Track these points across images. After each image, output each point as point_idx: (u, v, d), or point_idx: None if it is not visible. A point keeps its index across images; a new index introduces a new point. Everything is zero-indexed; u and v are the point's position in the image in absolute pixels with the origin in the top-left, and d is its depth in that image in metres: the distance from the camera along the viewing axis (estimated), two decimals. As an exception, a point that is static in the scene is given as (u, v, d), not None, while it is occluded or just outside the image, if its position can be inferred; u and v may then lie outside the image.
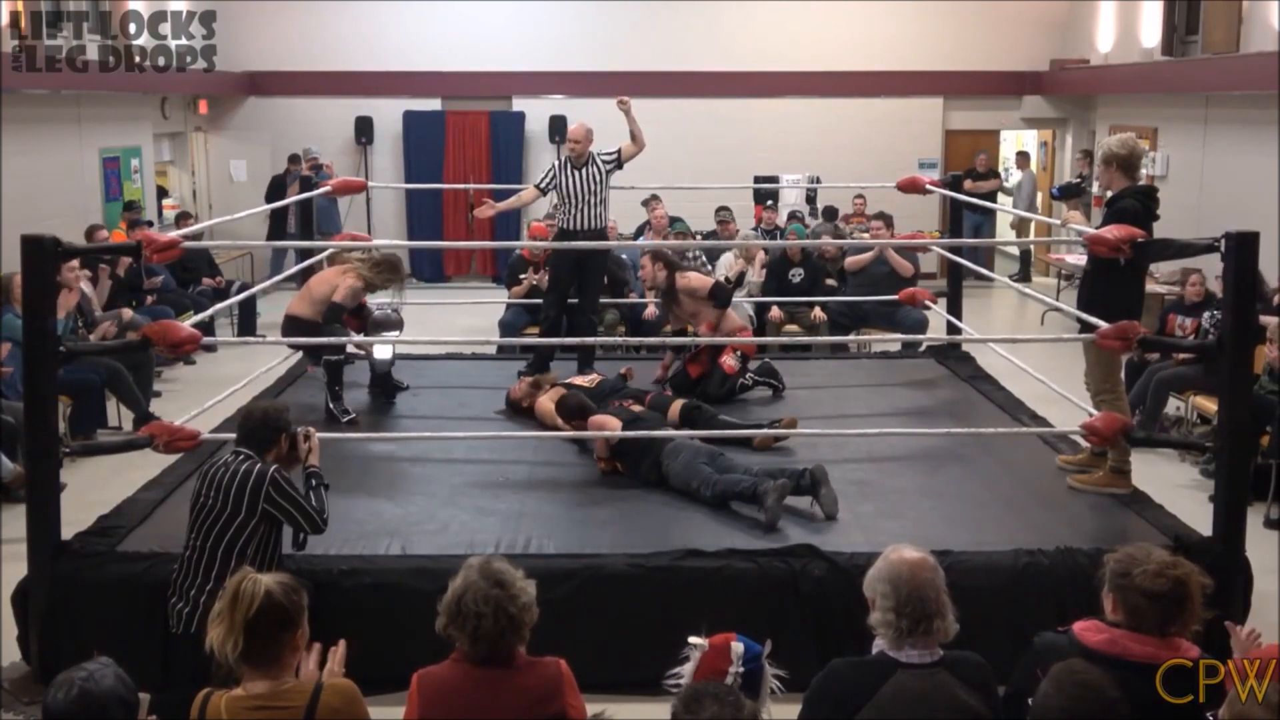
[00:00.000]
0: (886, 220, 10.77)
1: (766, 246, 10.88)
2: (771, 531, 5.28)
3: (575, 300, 8.00)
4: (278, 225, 13.45)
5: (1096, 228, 5.73)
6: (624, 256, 10.15)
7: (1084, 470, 5.99)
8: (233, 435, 4.74)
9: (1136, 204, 5.57)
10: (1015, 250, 16.68)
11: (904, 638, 2.96)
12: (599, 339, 7.98)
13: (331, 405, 7.03)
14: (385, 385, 7.56)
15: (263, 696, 2.97)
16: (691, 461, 5.77)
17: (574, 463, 6.36)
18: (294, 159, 14.70)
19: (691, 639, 3.07)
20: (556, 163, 7.93)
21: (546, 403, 6.75)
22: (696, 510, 5.57)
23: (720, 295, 7.72)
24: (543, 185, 7.86)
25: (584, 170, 7.70)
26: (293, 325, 7.08)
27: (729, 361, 7.53)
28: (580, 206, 7.69)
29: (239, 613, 2.97)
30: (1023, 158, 16.35)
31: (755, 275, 10.38)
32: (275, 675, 3.00)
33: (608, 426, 6.13)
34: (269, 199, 13.72)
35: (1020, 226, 16.49)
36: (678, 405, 6.82)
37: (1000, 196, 16.28)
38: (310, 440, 4.64)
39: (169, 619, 4.40)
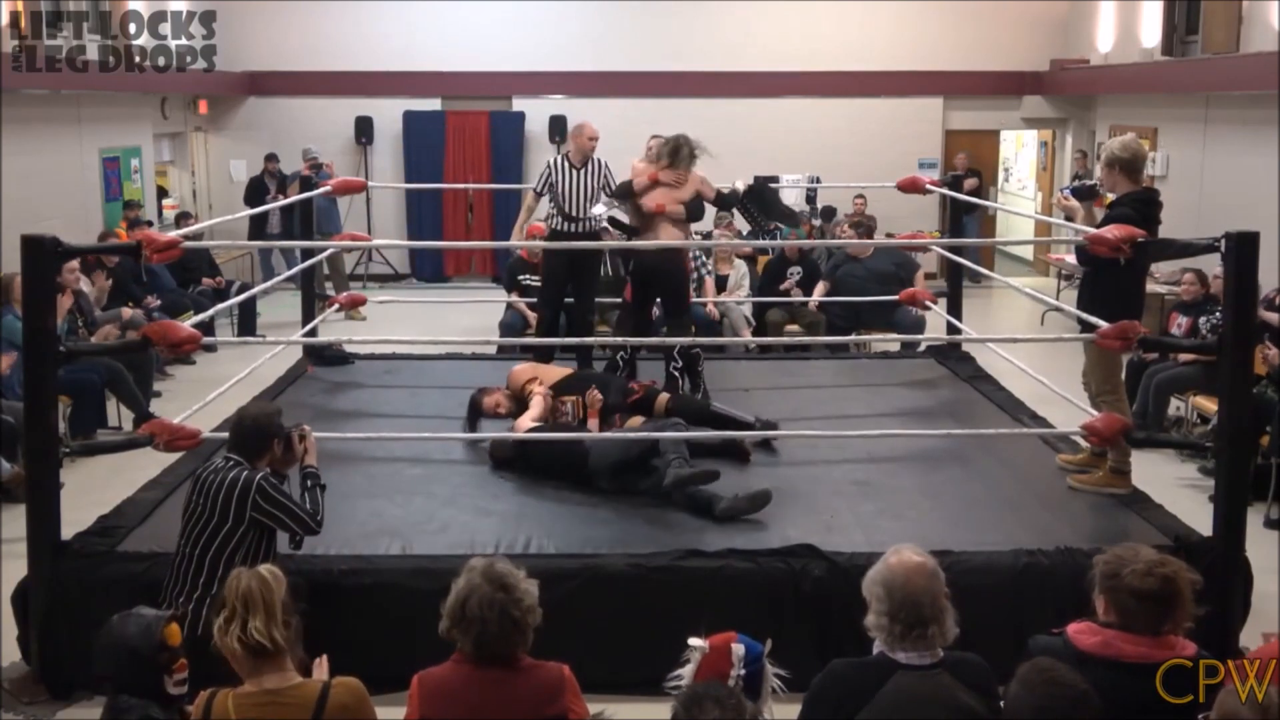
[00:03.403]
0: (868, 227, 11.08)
1: (736, 248, 10.87)
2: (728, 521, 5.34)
3: (572, 300, 7.99)
4: (258, 227, 13.33)
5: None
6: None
7: (1084, 470, 5.99)
8: (235, 434, 4.72)
9: (1132, 213, 5.55)
10: (1017, 249, 16.67)
11: (898, 642, 2.97)
12: (599, 339, 7.97)
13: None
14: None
15: (272, 691, 2.98)
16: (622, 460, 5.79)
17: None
18: (270, 158, 14.41)
19: (691, 640, 3.05)
20: (551, 161, 7.89)
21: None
22: (696, 510, 5.56)
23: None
24: (538, 189, 7.84)
25: (584, 171, 7.69)
26: None
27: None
28: (575, 206, 7.68)
29: (231, 602, 3.02)
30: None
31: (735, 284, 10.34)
32: (279, 667, 3.01)
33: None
34: (248, 201, 13.65)
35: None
36: (663, 399, 6.74)
37: (1001, 196, 16.25)
38: (306, 440, 4.63)
39: None
